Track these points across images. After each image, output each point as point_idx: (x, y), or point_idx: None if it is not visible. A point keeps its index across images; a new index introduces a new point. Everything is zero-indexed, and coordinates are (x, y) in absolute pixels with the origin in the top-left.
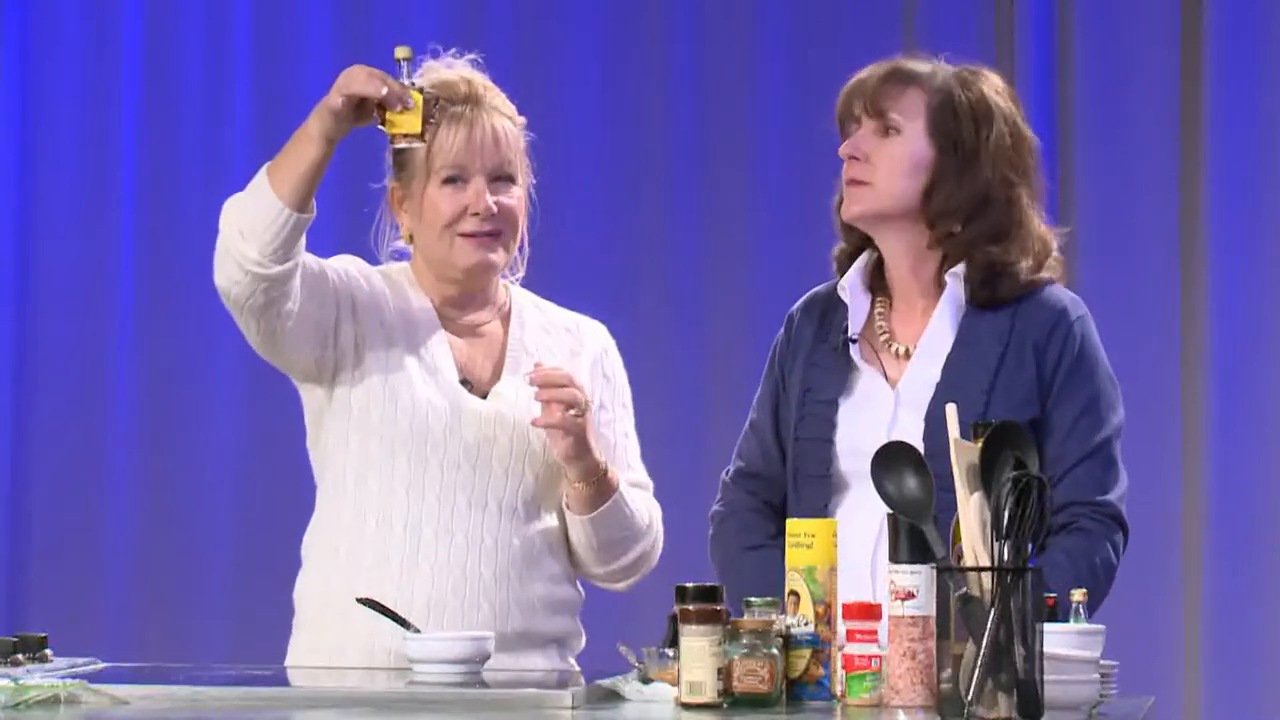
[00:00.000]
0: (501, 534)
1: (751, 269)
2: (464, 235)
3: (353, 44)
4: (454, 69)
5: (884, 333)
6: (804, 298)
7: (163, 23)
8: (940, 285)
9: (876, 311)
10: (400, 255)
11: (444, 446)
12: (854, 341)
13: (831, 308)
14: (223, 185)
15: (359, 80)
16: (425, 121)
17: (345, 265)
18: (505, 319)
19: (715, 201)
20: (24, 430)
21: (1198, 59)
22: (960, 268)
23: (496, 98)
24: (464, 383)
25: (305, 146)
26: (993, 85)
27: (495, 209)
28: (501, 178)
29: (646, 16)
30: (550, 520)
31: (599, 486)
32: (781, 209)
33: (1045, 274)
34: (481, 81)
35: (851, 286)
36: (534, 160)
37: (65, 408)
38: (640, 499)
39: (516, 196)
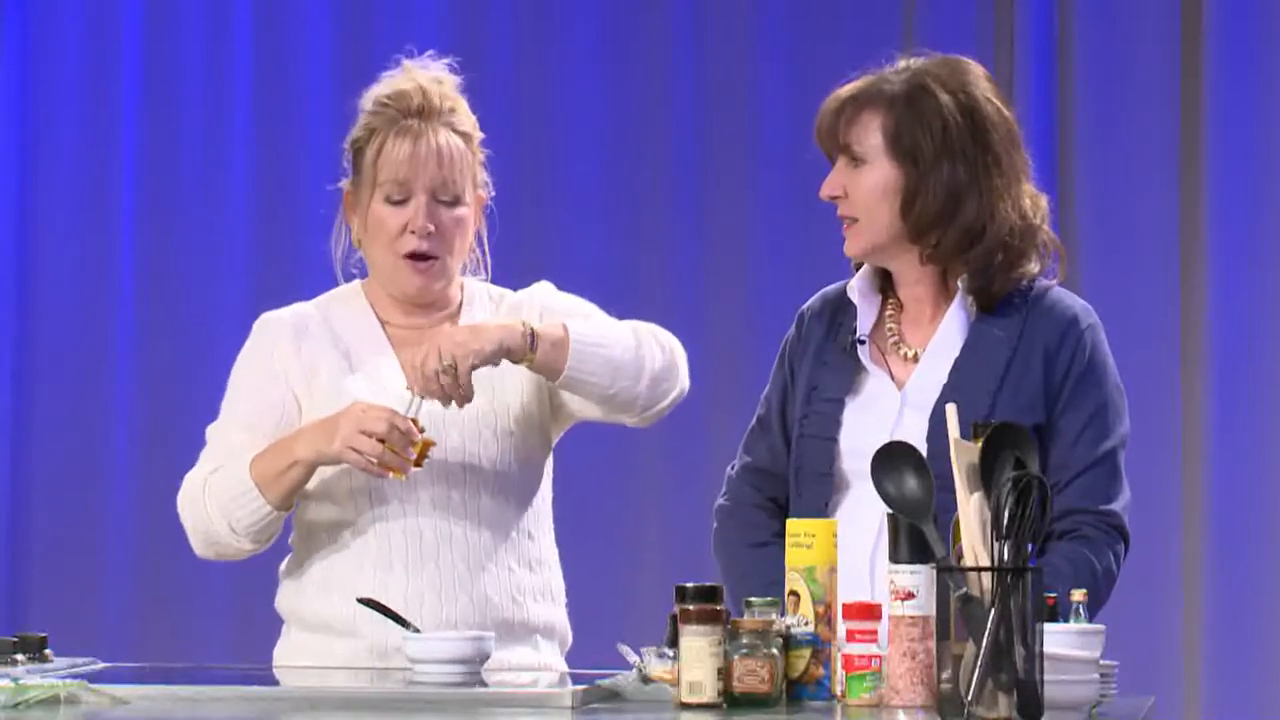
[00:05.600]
0: (469, 526)
1: (751, 268)
2: (406, 257)
3: (353, 44)
4: (427, 70)
5: (893, 335)
6: (816, 296)
7: (163, 23)
8: (949, 292)
9: (886, 314)
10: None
11: None
12: (862, 343)
13: (842, 308)
14: (223, 185)
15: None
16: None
17: (271, 373)
18: (455, 318)
19: (715, 201)
20: (24, 430)
21: (1198, 58)
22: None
23: (453, 113)
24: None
25: (296, 473)
26: (949, 75)
27: (432, 228)
28: (444, 199)
29: (646, 16)
30: (522, 506)
31: (542, 347)
32: (781, 209)
33: (1034, 264)
34: (440, 92)
35: (860, 289)
36: (491, 173)
37: (65, 408)
38: (607, 323)
39: (459, 216)
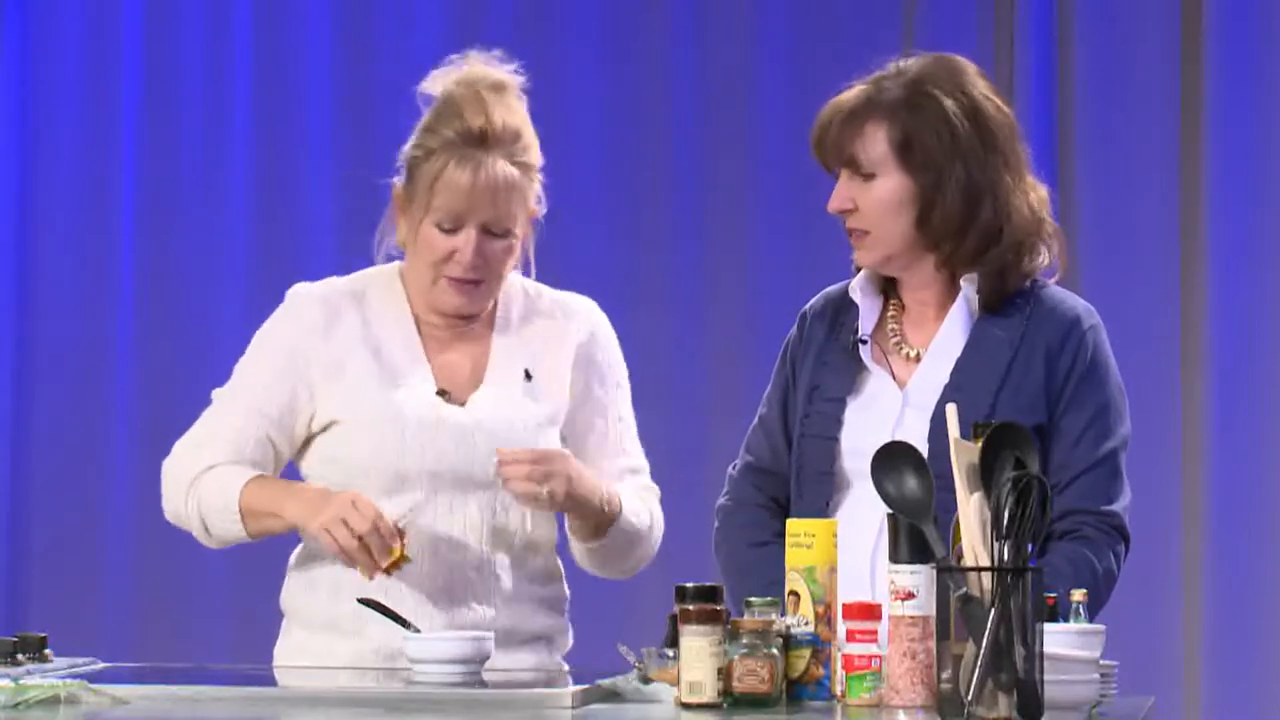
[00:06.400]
0: (485, 534)
1: (751, 268)
2: (448, 279)
3: (353, 44)
4: (490, 73)
5: (895, 335)
6: (818, 296)
7: (163, 23)
8: (952, 292)
9: (889, 314)
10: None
11: (422, 457)
12: (864, 343)
13: (844, 307)
14: (223, 185)
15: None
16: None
17: (292, 359)
18: (491, 319)
19: (715, 201)
20: (24, 430)
21: (1198, 58)
22: (972, 275)
23: (515, 141)
24: (441, 393)
25: (277, 524)
26: (946, 78)
27: (480, 260)
28: (496, 231)
29: (646, 16)
30: (536, 518)
31: (599, 519)
32: (781, 209)
33: (1043, 258)
34: (504, 115)
35: (863, 288)
36: (544, 195)
37: (65, 408)
38: (639, 501)
39: (508, 245)
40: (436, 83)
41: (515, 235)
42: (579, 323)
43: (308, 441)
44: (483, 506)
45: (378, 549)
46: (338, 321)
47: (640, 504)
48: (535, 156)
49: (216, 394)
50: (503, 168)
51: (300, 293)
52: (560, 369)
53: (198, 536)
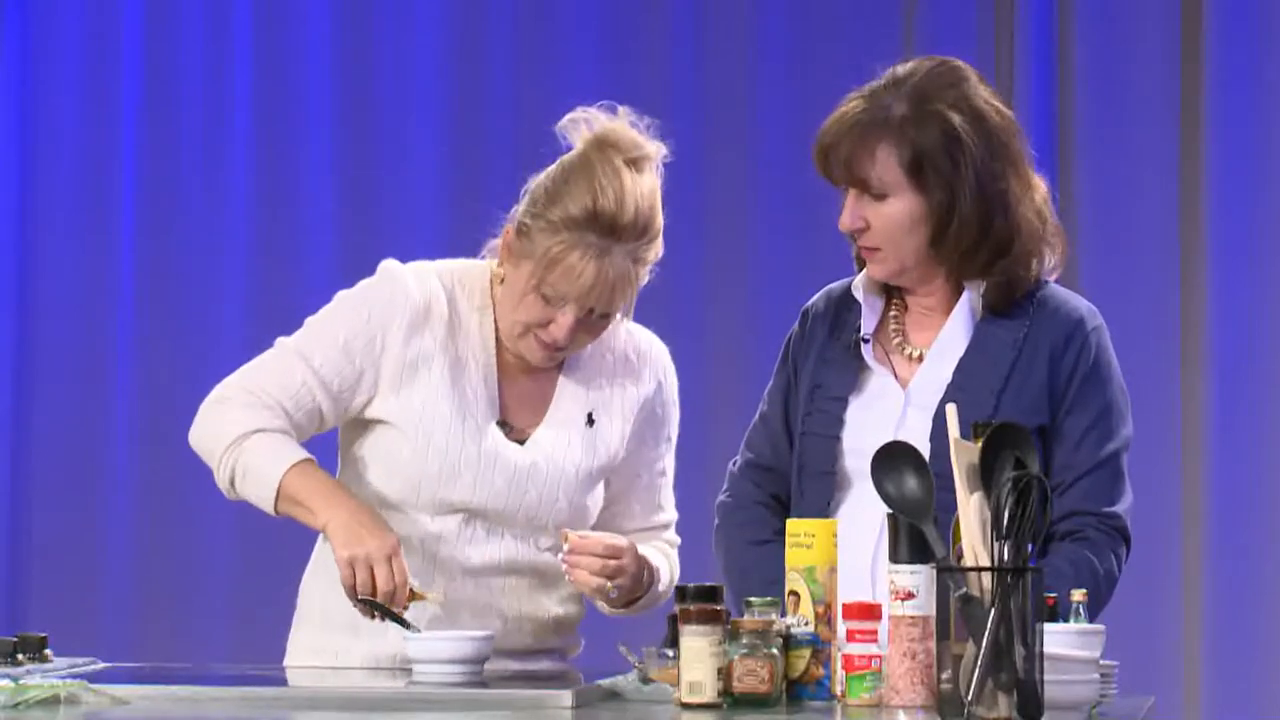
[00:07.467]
0: (520, 559)
1: (751, 268)
2: (536, 338)
3: (353, 44)
4: (633, 138)
5: (897, 335)
6: (820, 294)
7: (163, 23)
8: (956, 292)
9: (891, 314)
10: None
11: (473, 493)
12: (866, 341)
13: (846, 305)
14: (223, 185)
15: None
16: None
17: (369, 343)
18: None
19: (715, 201)
20: (24, 430)
21: (1198, 58)
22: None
23: (642, 237)
24: (502, 424)
25: (307, 518)
26: (947, 88)
27: (572, 337)
28: (596, 313)
29: (646, 16)
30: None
31: (638, 595)
32: (781, 209)
33: (1049, 258)
34: (639, 196)
35: (865, 286)
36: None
37: (65, 408)
38: (665, 564)
39: (603, 325)
40: (575, 129)
41: (613, 316)
42: (648, 372)
43: (356, 424)
44: (518, 539)
45: (384, 599)
46: (426, 321)
47: (666, 568)
48: (658, 249)
49: (281, 343)
50: (623, 262)
51: (395, 275)
52: (623, 422)
53: (218, 482)
